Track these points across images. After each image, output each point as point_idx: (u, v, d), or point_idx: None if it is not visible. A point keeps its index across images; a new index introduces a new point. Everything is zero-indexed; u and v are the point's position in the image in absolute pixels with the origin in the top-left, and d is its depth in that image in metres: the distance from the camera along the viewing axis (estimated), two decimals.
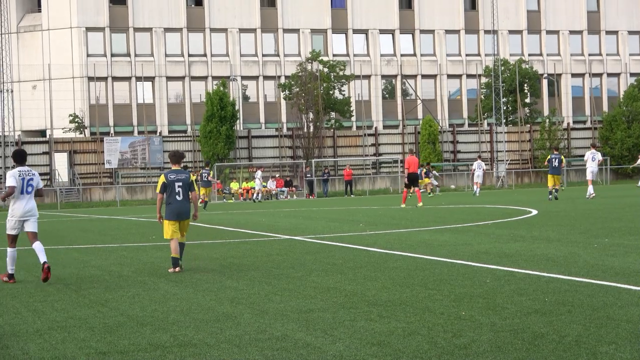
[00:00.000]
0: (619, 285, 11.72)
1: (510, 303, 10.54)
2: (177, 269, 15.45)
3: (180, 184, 15.83)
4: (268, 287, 12.98)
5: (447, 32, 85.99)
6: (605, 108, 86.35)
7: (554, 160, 39.59)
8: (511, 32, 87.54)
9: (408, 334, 8.93)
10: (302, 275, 14.16)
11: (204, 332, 9.55)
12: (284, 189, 67.40)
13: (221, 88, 70.67)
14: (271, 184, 66.87)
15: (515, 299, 10.87)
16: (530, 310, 10.03)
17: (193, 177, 16.51)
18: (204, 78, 79.15)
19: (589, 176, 39.99)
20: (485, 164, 75.72)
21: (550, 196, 39.38)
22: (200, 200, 47.66)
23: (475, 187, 54.69)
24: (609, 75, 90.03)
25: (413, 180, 38.97)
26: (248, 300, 11.74)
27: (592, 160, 40.08)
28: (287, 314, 10.45)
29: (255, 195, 62.29)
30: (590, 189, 39.10)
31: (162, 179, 15.85)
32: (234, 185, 68.03)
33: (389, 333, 9.04)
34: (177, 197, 15.78)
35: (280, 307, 10.95)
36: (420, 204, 37.86)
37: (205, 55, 79.47)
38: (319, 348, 8.50)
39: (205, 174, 48.93)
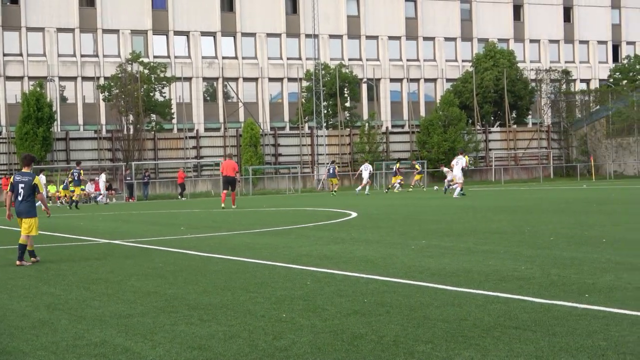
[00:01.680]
0: (435, 285, 12.03)
1: (330, 304, 10.66)
2: (33, 259, 17.35)
3: (23, 185, 17.33)
4: (86, 292, 12.71)
5: (269, 35, 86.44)
6: (422, 112, 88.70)
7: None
8: (332, 36, 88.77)
9: (229, 337, 8.91)
10: (121, 280, 13.93)
11: (19, 340, 9.26)
12: (103, 192, 66.15)
13: (38, 89, 68.79)
14: (90, 187, 65.53)
15: (335, 300, 11.00)
16: (350, 311, 10.17)
17: (37, 180, 17.55)
18: (20, 78, 76.92)
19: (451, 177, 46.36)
20: (306, 167, 76.53)
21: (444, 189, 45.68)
22: (68, 199, 53.29)
23: (362, 187, 58.27)
24: (426, 80, 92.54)
25: (229, 183, 40.09)
26: (65, 305, 11.45)
27: (456, 164, 45.37)
28: (106, 319, 10.25)
29: (100, 197, 63.33)
30: (451, 186, 44.70)
31: (11, 180, 17.58)
32: (52, 189, 66.34)
33: (209, 337, 8.99)
34: (18, 197, 17.39)
35: (99, 313, 10.73)
36: (234, 206, 39.28)
37: (21, 54, 77.23)
38: (138, 353, 8.37)
39: (76, 173, 50.46)
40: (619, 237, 18.30)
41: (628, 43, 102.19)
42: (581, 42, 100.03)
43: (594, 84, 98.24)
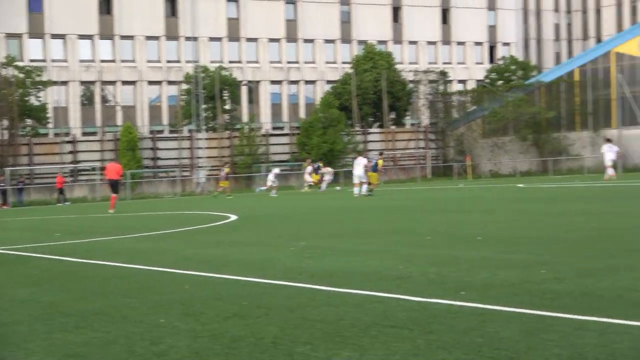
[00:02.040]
0: (314, 286, 12.06)
1: (209, 308, 10.59)
2: None
3: None
4: None
5: (148, 38, 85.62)
6: (302, 114, 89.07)
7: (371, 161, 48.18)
8: (211, 39, 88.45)
9: (105, 344, 8.77)
10: None
11: None
12: None
13: None
14: None
15: (213, 303, 10.93)
16: (229, 314, 10.12)
17: None
18: None
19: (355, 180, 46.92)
20: (185, 171, 76.06)
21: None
22: None
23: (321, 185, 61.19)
24: (306, 82, 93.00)
25: (111, 186, 40.35)
26: None
27: (358, 165, 46.81)
28: None
29: None
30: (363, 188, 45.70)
31: None
32: None
33: (85, 344, 8.83)
34: None
35: None
36: (112, 210, 38.96)
37: None
38: None
39: None
40: (494, 235, 18.68)
41: (504, 44, 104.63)
42: (458, 43, 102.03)
43: (471, 85, 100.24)
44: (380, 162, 48.38)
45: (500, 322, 8.99)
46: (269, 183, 60.45)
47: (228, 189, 60.91)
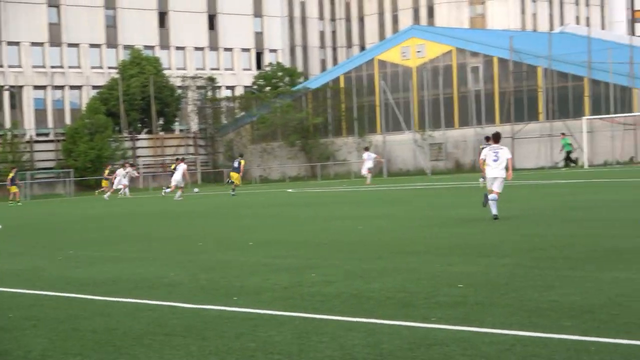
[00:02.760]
0: (84, 296, 11.85)
1: None
2: None
3: None
4: None
5: None
6: (68, 120, 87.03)
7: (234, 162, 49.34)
8: None
9: None
10: None
11: None
12: None
13: None
14: None
15: None
16: None
17: None
18: None
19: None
20: None
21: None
22: None
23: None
24: (72, 87, 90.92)
25: None
26: None
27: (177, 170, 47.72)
28: None
29: None
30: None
31: None
32: None
33: None
34: None
35: None
36: None
37: None
38: None
39: None
40: (264, 240, 18.92)
41: (270, 50, 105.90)
42: (225, 49, 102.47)
43: (239, 91, 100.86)
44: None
45: (272, 326, 9.12)
46: (115, 186, 58.14)
47: (17, 195, 58.16)
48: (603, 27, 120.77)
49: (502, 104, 69.40)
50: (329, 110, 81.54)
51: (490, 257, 14.01)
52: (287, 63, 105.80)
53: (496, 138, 21.78)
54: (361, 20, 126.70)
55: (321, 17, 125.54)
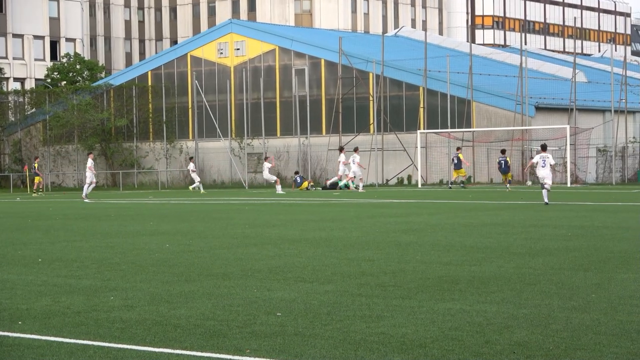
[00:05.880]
0: None
1: None
2: None
3: None
4: None
5: None
6: None
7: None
8: None
9: None
10: None
11: None
12: None
13: None
14: None
15: None
16: None
17: None
18: None
19: None
20: None
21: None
22: None
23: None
24: None
25: None
26: None
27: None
28: None
29: None
30: None
31: None
32: None
33: None
34: None
35: None
36: None
37: None
38: None
39: None
40: (56, 257, 18.53)
41: (68, 40, 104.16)
42: (15, 35, 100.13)
43: (30, 84, 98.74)
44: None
45: (63, 355, 8.94)
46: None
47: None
48: (441, 33, 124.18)
49: (330, 112, 70.25)
50: (134, 110, 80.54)
51: (312, 282, 14.14)
52: (86, 55, 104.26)
53: (544, 148, 35.79)
54: (173, 10, 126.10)
55: (127, 5, 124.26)
